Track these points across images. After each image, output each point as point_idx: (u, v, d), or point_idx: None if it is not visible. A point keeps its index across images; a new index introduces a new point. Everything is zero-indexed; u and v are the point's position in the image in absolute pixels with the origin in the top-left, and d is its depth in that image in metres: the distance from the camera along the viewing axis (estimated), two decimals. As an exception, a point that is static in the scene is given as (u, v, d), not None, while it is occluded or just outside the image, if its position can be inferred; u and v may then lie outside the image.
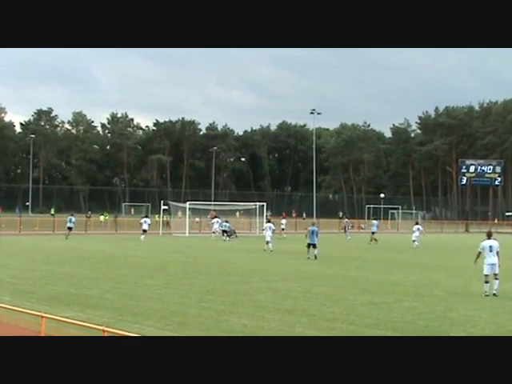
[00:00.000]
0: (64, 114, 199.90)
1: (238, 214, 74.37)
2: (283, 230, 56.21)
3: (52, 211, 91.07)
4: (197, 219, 64.80)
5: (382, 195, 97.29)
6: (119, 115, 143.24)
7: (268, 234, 39.41)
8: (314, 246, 33.18)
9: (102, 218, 77.08)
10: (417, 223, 50.01)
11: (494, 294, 19.95)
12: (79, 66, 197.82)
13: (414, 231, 47.17)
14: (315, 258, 32.56)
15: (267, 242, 38.71)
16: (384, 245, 47.51)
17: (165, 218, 63.88)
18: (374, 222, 54.63)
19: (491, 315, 16.68)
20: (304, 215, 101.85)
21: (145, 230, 47.09)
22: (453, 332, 14.21)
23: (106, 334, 8.11)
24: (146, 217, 50.96)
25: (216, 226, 52.95)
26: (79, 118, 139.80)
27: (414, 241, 45.40)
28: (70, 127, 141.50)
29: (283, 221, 58.87)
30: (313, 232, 33.62)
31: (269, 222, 42.19)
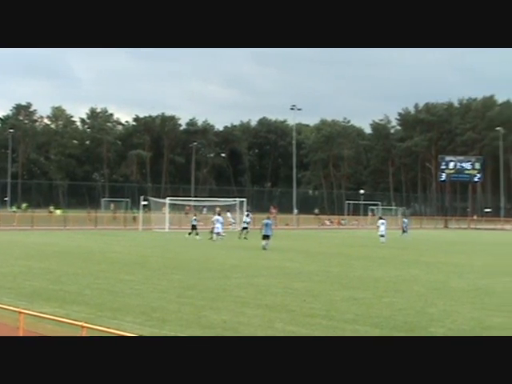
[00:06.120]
0: (43, 109, 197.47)
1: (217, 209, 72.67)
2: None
3: (23, 206, 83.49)
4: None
5: (362, 191, 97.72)
6: (98, 110, 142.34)
7: (217, 227, 43.00)
8: (268, 237, 35.91)
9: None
10: (380, 218, 48.82)
11: None
12: (58, 61, 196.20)
13: (378, 226, 46.13)
14: (264, 248, 35.05)
15: (218, 234, 42.51)
16: (364, 241, 47.67)
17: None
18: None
19: (470, 311, 16.76)
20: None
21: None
22: (432, 327, 14.25)
23: (85, 330, 8.03)
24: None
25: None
26: (58, 113, 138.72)
27: (381, 236, 44.64)
28: (49, 122, 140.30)
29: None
30: (267, 225, 36.53)
31: (219, 215, 45.41)
